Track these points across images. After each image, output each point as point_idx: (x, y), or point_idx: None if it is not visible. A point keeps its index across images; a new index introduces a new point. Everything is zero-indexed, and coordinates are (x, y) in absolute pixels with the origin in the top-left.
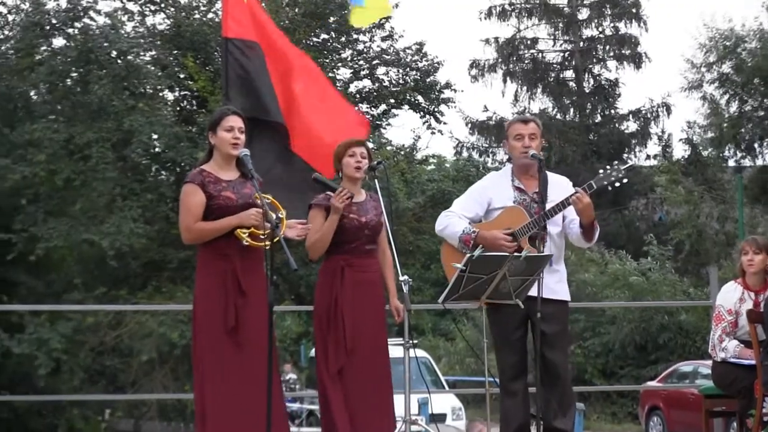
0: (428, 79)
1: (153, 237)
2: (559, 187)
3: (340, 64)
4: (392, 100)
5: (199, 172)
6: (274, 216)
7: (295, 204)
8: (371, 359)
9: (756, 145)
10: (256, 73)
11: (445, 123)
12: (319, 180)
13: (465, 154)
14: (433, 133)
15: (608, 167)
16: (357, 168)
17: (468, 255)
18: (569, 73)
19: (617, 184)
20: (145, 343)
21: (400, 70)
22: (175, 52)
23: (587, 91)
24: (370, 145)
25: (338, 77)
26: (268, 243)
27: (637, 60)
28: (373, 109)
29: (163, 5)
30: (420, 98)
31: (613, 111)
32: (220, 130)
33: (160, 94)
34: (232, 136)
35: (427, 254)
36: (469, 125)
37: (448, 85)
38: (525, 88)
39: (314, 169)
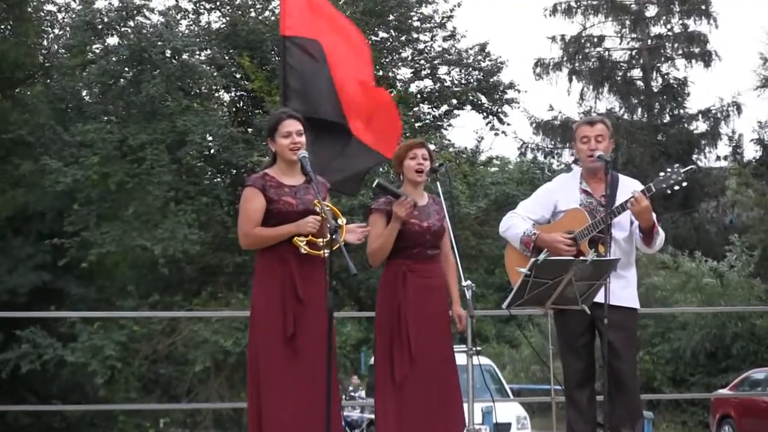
0: (491, 79)
1: (208, 242)
2: (629, 190)
3: (400, 64)
4: (454, 101)
5: (262, 176)
6: (334, 223)
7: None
8: (436, 369)
9: None
10: (316, 72)
11: (508, 124)
12: (383, 186)
13: (529, 155)
14: (496, 134)
15: (668, 170)
16: (419, 171)
17: (533, 259)
18: (636, 72)
19: (676, 188)
20: (200, 351)
21: (463, 70)
22: (231, 51)
23: (655, 90)
24: (432, 147)
25: (398, 77)
26: (326, 251)
27: (706, 58)
28: (434, 109)
29: (218, 3)
30: (483, 98)
31: (681, 111)
32: (278, 136)
33: (216, 94)
34: (291, 142)
35: (491, 259)
36: (534, 125)
37: (511, 85)
38: (591, 87)
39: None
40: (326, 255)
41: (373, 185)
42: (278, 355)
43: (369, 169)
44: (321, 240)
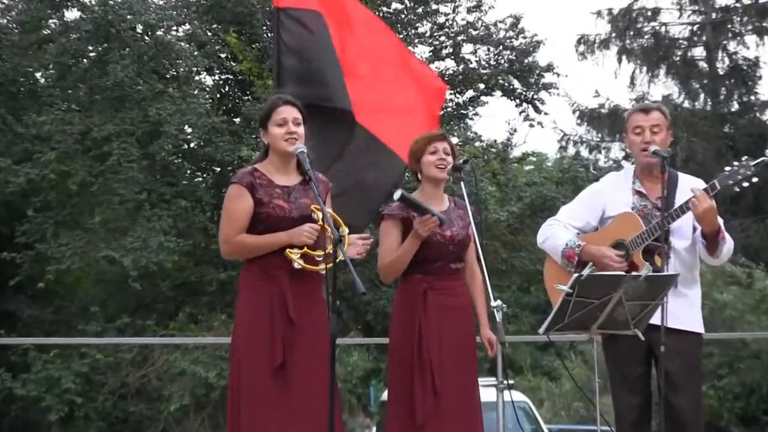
0: (526, 60)
1: (188, 253)
2: (691, 192)
3: (417, 40)
4: (481, 85)
5: (251, 171)
6: (337, 233)
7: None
8: (460, 403)
9: None
10: (317, 50)
11: (546, 113)
12: (406, 198)
13: (571, 150)
14: (531, 125)
15: (735, 164)
16: (439, 167)
17: (576, 275)
18: (699, 51)
19: (745, 184)
20: (177, 385)
21: (491, 49)
22: (215, 26)
23: (721, 73)
24: (455, 140)
25: (415, 56)
26: (324, 267)
27: None
28: (457, 95)
29: None
30: (515, 83)
31: (752, 97)
32: (271, 125)
33: (196, 77)
34: (286, 131)
35: (525, 275)
36: (577, 114)
37: (549, 68)
38: (644, 68)
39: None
40: (326, 270)
41: (394, 197)
42: (264, 389)
43: (390, 188)
44: (318, 253)
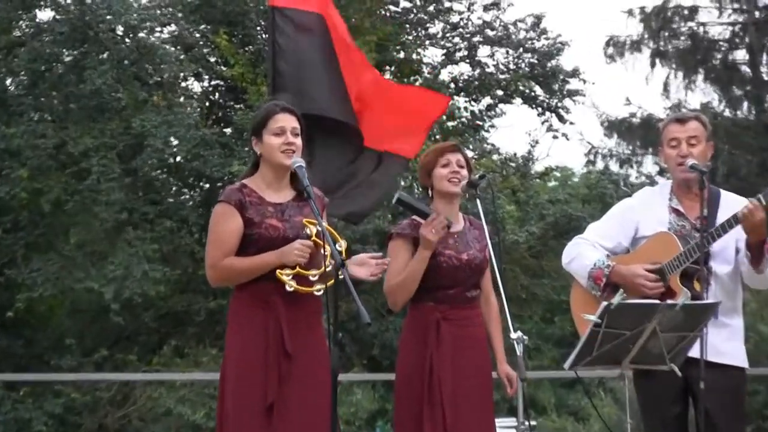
0: (549, 64)
1: (173, 281)
2: (733, 209)
3: (427, 42)
4: (499, 92)
5: (239, 188)
6: (335, 250)
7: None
8: None
9: None
10: (315, 54)
11: (571, 123)
12: (405, 201)
13: (600, 164)
14: (555, 136)
15: None
16: (452, 180)
17: (605, 303)
18: (741, 54)
19: None
20: (161, 426)
21: (511, 51)
22: (203, 27)
23: (766, 78)
24: (470, 152)
25: (425, 59)
26: (320, 287)
27: None
28: (473, 103)
29: None
30: (537, 89)
31: None
32: (266, 134)
33: (183, 84)
34: (283, 141)
35: (549, 303)
36: (605, 125)
37: (575, 73)
38: (680, 73)
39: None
40: (325, 295)
41: (393, 201)
42: (254, 429)
43: (386, 187)
44: (313, 272)
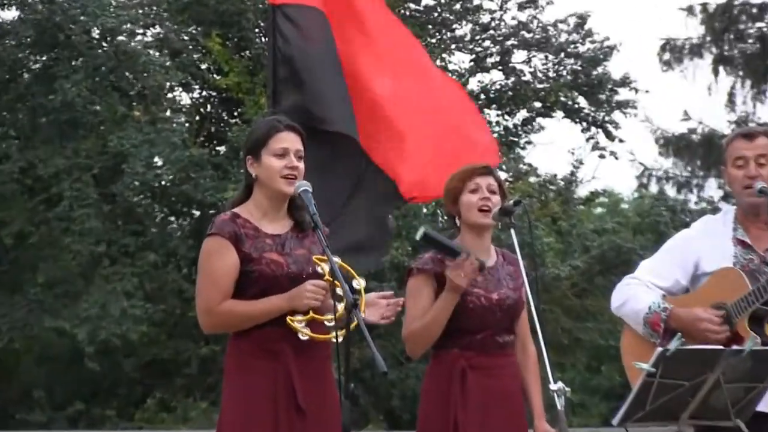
0: (594, 72)
1: (159, 322)
2: None
3: (453, 46)
4: (537, 104)
5: (231, 218)
6: (349, 293)
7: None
8: None
9: None
10: (318, 60)
11: (621, 140)
12: (432, 238)
13: (654, 188)
14: (602, 155)
15: None
16: (483, 209)
17: (660, 349)
18: None
19: None
20: None
21: (550, 57)
22: (193, 29)
23: None
24: (502, 174)
25: (450, 66)
26: (337, 334)
27: None
28: (506, 117)
29: None
30: (581, 101)
31: None
32: (266, 154)
33: (169, 95)
34: (286, 165)
35: (594, 349)
36: (661, 142)
37: (625, 81)
38: (748, 82)
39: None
40: (338, 340)
41: (417, 237)
42: None
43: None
44: (329, 317)
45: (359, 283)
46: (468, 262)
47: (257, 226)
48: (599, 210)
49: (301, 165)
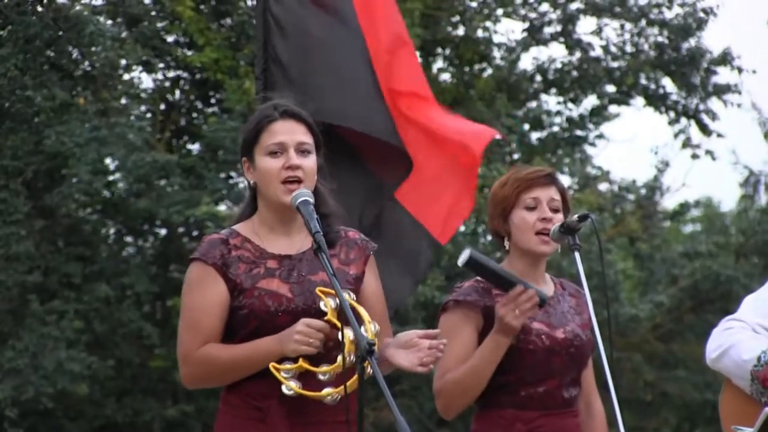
0: (686, 45)
1: (111, 376)
2: None
3: (500, 12)
4: (610, 88)
5: (223, 238)
6: (359, 330)
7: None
8: None
9: None
10: (331, 35)
11: (720, 135)
12: (478, 263)
13: (763, 198)
14: (695, 155)
15: None
16: (543, 233)
17: (767, 410)
18: None
19: None
20: None
21: (628, 26)
22: None
23: None
24: (565, 180)
25: (497, 38)
26: (332, 392)
27: None
28: (569, 105)
29: None
30: (668, 83)
31: None
32: (259, 154)
33: (125, 76)
34: (284, 165)
35: (685, 408)
36: None
37: (726, 58)
38: None
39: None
40: (335, 399)
41: (460, 261)
42: None
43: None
44: (324, 369)
45: (372, 327)
46: (525, 297)
47: (260, 245)
48: (691, 227)
49: (308, 162)
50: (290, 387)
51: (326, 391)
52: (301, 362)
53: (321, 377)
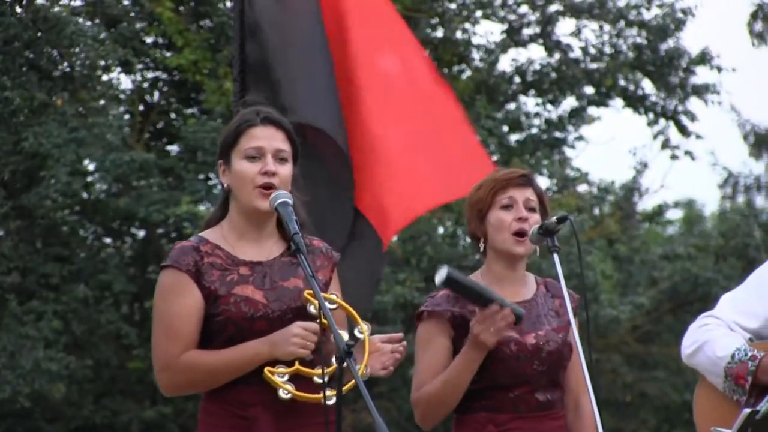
0: (664, 46)
1: (89, 377)
2: None
3: (479, 13)
4: (589, 89)
5: (195, 245)
6: (344, 337)
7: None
8: None
9: None
10: (302, 36)
11: (699, 136)
12: (455, 281)
13: (741, 199)
14: (674, 156)
15: None
16: (520, 234)
17: (745, 410)
18: None
19: None
20: None
21: (607, 27)
22: None
23: None
24: (544, 182)
25: (476, 39)
26: (330, 393)
27: None
28: (548, 106)
29: None
30: (647, 84)
31: None
32: (236, 157)
33: (104, 77)
34: (260, 171)
35: (664, 409)
36: (751, 139)
37: (705, 58)
38: None
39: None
40: (331, 402)
41: (437, 280)
42: None
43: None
44: (320, 372)
45: (363, 329)
46: (500, 316)
47: (231, 252)
48: (673, 230)
49: (284, 170)
50: (288, 390)
51: (323, 395)
52: (297, 365)
53: (318, 380)
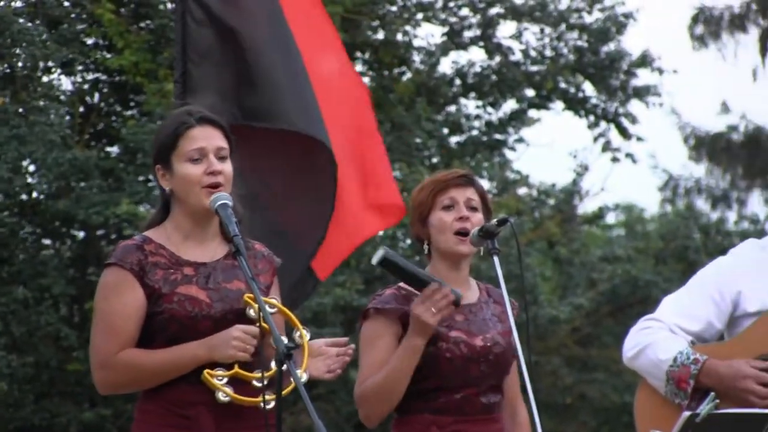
0: (605, 48)
1: (28, 378)
2: None
3: (420, 16)
4: (529, 92)
5: (139, 244)
6: (284, 343)
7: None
8: None
9: None
10: (255, 30)
11: (640, 138)
12: (391, 261)
13: (681, 202)
14: (615, 158)
15: None
16: (461, 233)
17: (686, 413)
18: None
19: None
20: None
21: (547, 30)
22: None
23: None
24: (485, 184)
25: (416, 42)
26: (269, 397)
27: None
28: (489, 109)
29: None
30: (588, 87)
31: None
32: (177, 160)
33: (44, 78)
34: (205, 171)
35: (603, 412)
36: (691, 142)
37: (646, 61)
38: None
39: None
40: (270, 405)
41: (374, 260)
42: None
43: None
44: (259, 375)
45: (304, 334)
46: (440, 294)
47: (175, 252)
48: (615, 232)
49: (227, 167)
50: (227, 393)
51: (261, 398)
52: (236, 368)
53: (257, 383)
